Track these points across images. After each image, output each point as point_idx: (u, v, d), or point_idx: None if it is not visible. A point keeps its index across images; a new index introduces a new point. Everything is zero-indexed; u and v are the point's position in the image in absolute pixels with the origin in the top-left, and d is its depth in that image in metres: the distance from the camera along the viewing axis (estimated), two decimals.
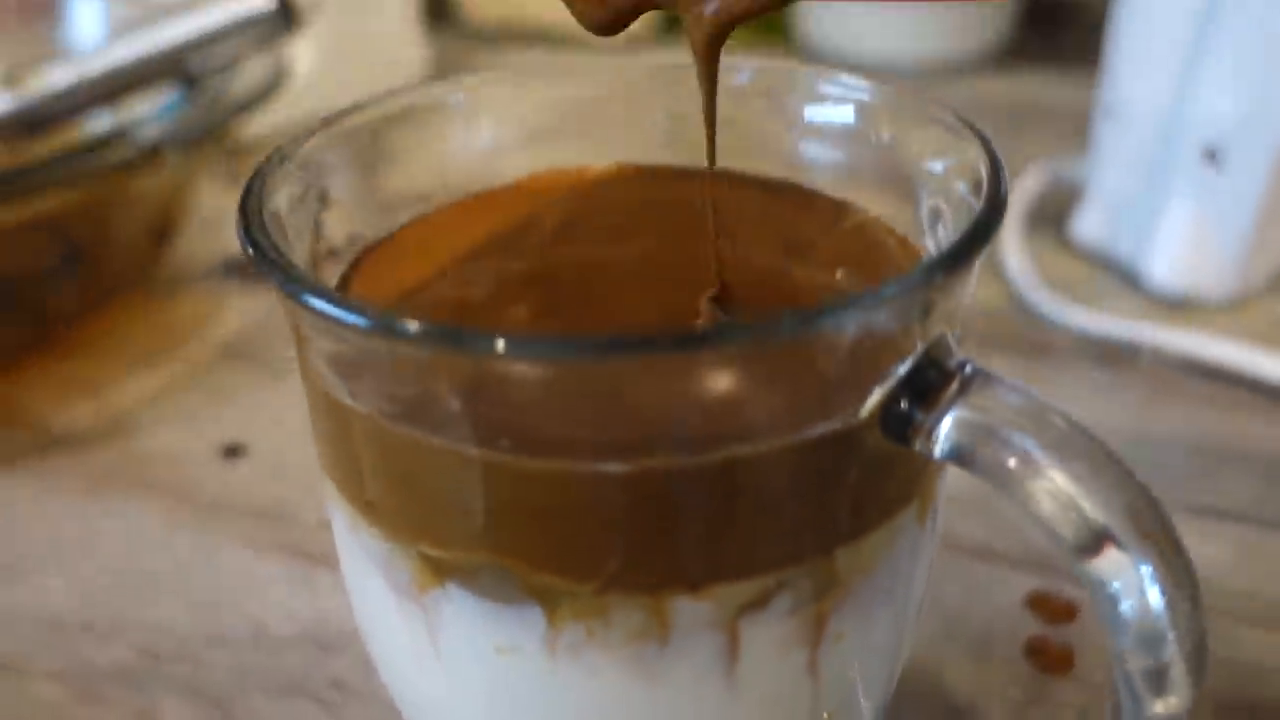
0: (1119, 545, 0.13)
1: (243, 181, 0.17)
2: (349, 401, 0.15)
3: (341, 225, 0.18)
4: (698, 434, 0.14)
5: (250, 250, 0.15)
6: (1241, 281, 0.37)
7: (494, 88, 0.20)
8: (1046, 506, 0.14)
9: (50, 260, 0.34)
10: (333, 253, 0.18)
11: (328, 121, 0.18)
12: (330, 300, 0.14)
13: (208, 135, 0.33)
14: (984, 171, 0.15)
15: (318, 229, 0.18)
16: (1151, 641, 0.14)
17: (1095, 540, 0.13)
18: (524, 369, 0.13)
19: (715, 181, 0.18)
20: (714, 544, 0.14)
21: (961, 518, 0.29)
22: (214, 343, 0.37)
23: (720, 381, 0.13)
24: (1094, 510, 0.13)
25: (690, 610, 0.14)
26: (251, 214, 0.16)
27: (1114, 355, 0.35)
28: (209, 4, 0.34)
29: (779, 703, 0.16)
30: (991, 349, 0.36)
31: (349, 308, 0.14)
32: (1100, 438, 0.14)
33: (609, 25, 0.16)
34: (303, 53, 0.48)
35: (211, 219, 0.42)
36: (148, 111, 0.34)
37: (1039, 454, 0.13)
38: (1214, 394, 0.33)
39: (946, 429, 0.14)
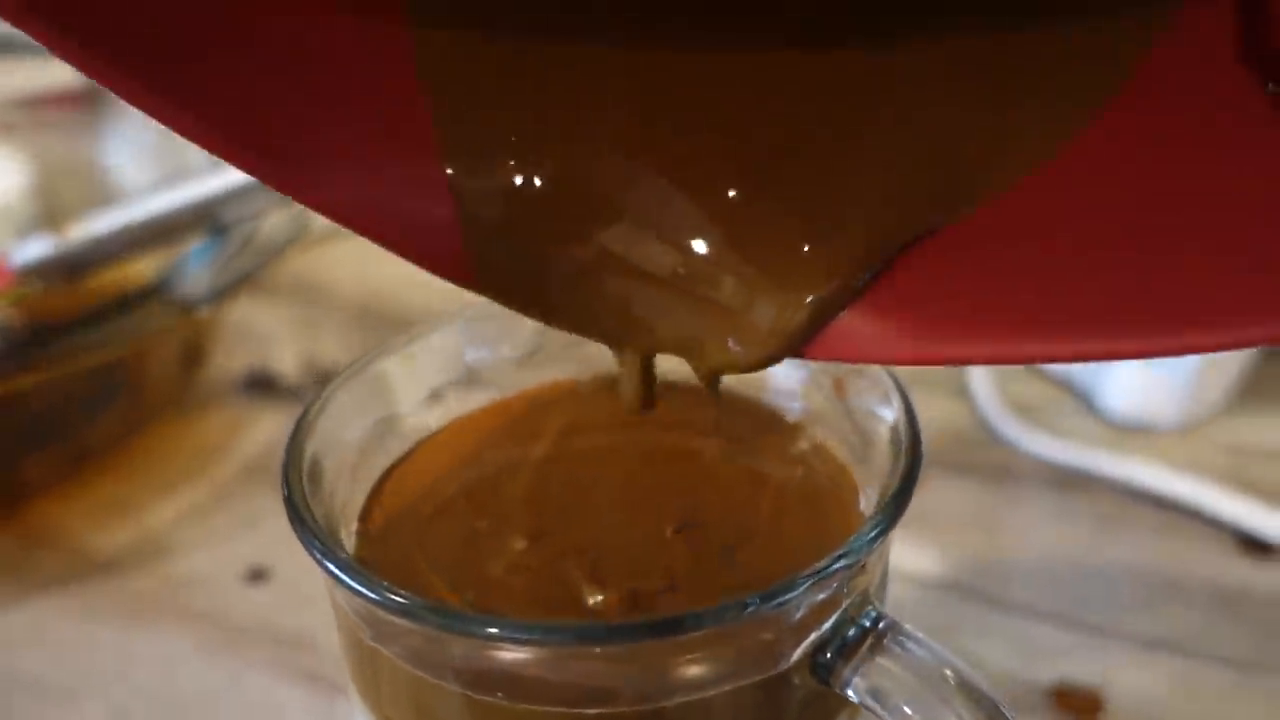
0: None
1: None
2: (368, 640, 0.18)
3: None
4: (655, 687, 0.17)
5: (288, 511, 0.18)
6: (1194, 404, 0.40)
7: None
8: None
9: (91, 394, 0.37)
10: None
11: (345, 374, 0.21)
12: (350, 575, 0.17)
13: (242, 282, 0.36)
14: (902, 438, 0.18)
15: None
16: None
17: None
18: (512, 646, 0.16)
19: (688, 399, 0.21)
20: None
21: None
22: (238, 463, 0.40)
23: (675, 652, 0.16)
24: None
25: None
26: (292, 472, 0.19)
27: (1070, 481, 0.38)
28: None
29: None
30: (953, 471, 0.39)
31: (363, 584, 0.17)
32: (985, 689, 0.17)
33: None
34: None
35: (233, 333, 0.45)
36: (185, 263, 0.37)
37: (935, 706, 0.16)
38: (1163, 523, 0.36)
39: (861, 679, 0.17)
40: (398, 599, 0.16)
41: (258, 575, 0.35)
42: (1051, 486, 0.38)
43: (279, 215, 0.38)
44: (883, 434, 0.20)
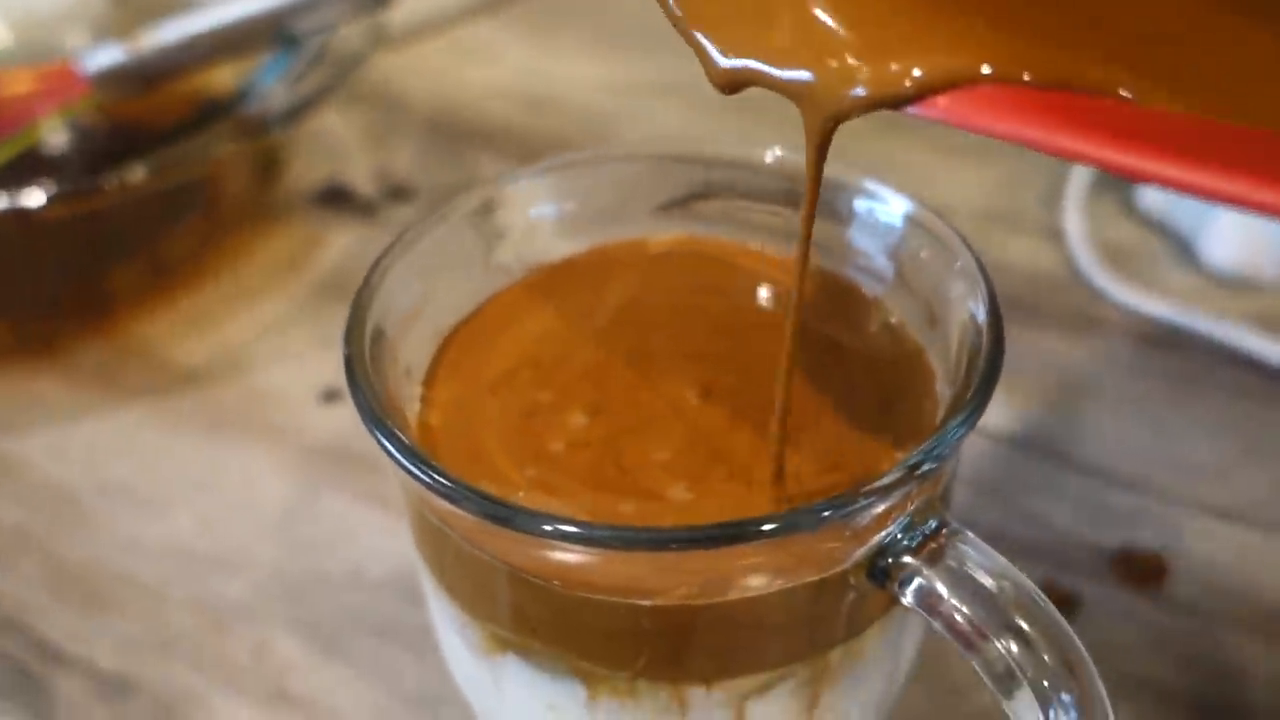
0: (1035, 695, 0.16)
1: None
2: (432, 519, 0.18)
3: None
4: (711, 586, 0.17)
5: (348, 380, 0.18)
6: None
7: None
8: (983, 662, 0.16)
9: (168, 207, 0.37)
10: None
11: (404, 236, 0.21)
12: (413, 461, 0.17)
13: (317, 99, 0.36)
14: (981, 364, 0.17)
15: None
16: None
17: (1012, 683, 0.16)
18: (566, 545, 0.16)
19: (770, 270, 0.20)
20: (725, 654, 0.18)
21: (982, 502, 0.32)
22: (313, 278, 0.40)
23: (734, 556, 0.16)
24: (1022, 666, 0.16)
25: (704, 697, 0.18)
26: (354, 339, 0.19)
27: (1158, 335, 0.37)
28: None
29: None
30: (1035, 317, 0.38)
31: (426, 471, 0.17)
32: (1040, 602, 0.17)
33: (727, 88, 0.18)
34: None
35: (307, 144, 0.44)
36: (260, 78, 0.36)
37: (984, 618, 0.16)
38: (1247, 385, 0.35)
39: (916, 585, 0.17)
40: (452, 486, 0.16)
41: (332, 396, 0.36)
42: (1137, 340, 0.37)
43: (352, 27, 0.37)
44: (964, 323, 0.19)
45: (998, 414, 0.34)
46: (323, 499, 0.33)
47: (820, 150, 0.17)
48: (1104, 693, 0.17)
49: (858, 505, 0.16)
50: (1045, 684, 0.16)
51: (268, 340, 0.37)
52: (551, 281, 0.22)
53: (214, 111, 0.34)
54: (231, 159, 0.36)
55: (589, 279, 0.22)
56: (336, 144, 0.46)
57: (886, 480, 0.16)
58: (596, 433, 0.19)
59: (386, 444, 0.17)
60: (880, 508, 0.16)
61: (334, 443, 0.34)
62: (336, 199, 0.43)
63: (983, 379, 0.17)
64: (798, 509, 0.16)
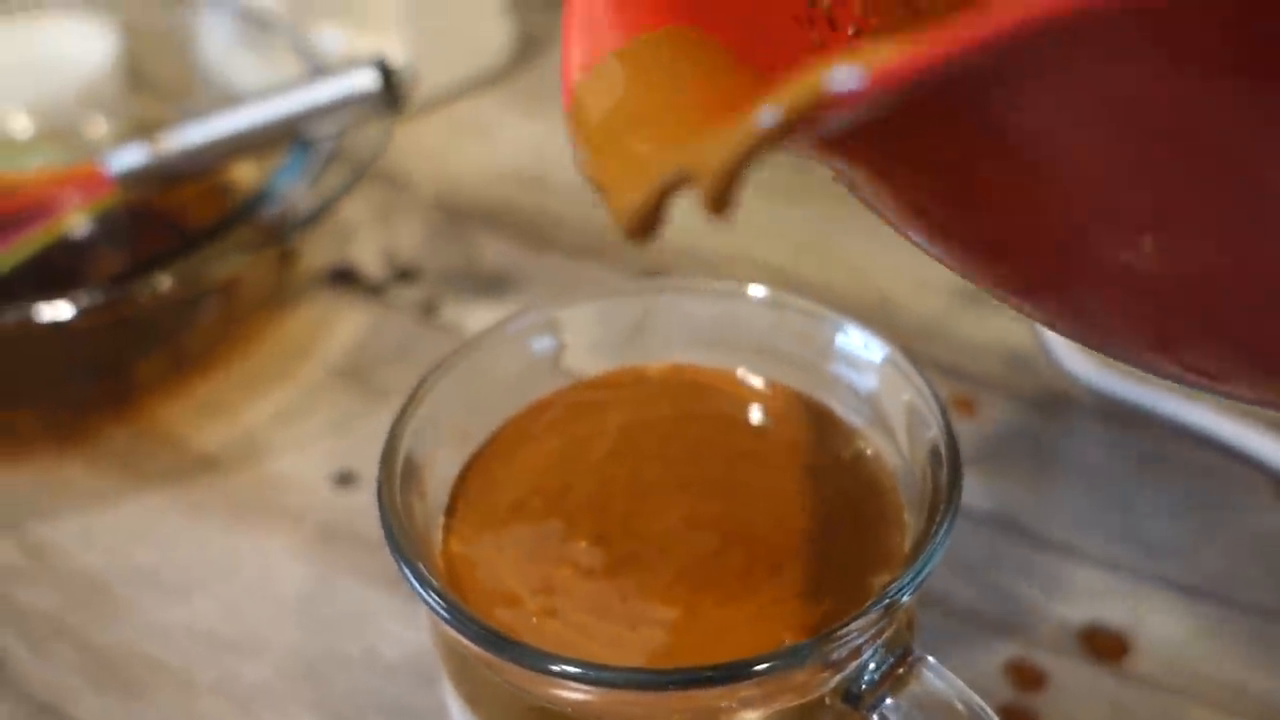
0: None
1: None
2: (452, 640, 0.20)
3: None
4: (707, 711, 0.19)
5: (387, 544, 0.20)
6: None
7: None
8: None
9: (190, 302, 0.39)
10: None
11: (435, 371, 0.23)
12: (437, 601, 0.19)
13: (332, 203, 0.38)
14: (942, 500, 0.20)
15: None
16: None
17: None
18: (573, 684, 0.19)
19: (744, 392, 0.23)
20: None
21: (958, 580, 0.34)
22: (324, 363, 0.42)
23: (723, 694, 0.18)
24: None
25: None
26: (386, 481, 0.21)
27: (1126, 415, 0.39)
28: (322, 79, 0.38)
29: None
30: (1007, 396, 0.40)
31: (444, 608, 0.19)
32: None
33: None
34: (394, 45, 0.51)
35: (324, 222, 0.46)
36: (277, 182, 0.38)
37: None
38: (1210, 464, 0.37)
39: (885, 709, 0.19)
40: (465, 624, 0.18)
41: (345, 479, 0.38)
42: (1106, 419, 0.39)
43: (364, 130, 0.39)
44: (927, 461, 0.21)
45: (972, 492, 0.37)
46: (339, 581, 0.35)
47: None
48: None
49: (839, 642, 0.18)
50: None
51: (282, 425, 0.40)
52: (557, 409, 0.25)
53: (237, 214, 0.36)
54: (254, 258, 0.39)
55: (589, 407, 0.25)
56: (344, 224, 0.48)
57: (864, 619, 0.18)
58: (599, 561, 0.22)
59: (410, 575, 0.19)
60: (858, 641, 0.19)
61: (348, 525, 0.36)
62: (346, 280, 0.45)
63: (944, 518, 0.20)
64: (783, 651, 0.18)
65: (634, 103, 0.18)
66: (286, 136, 0.39)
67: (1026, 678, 0.32)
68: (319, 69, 0.41)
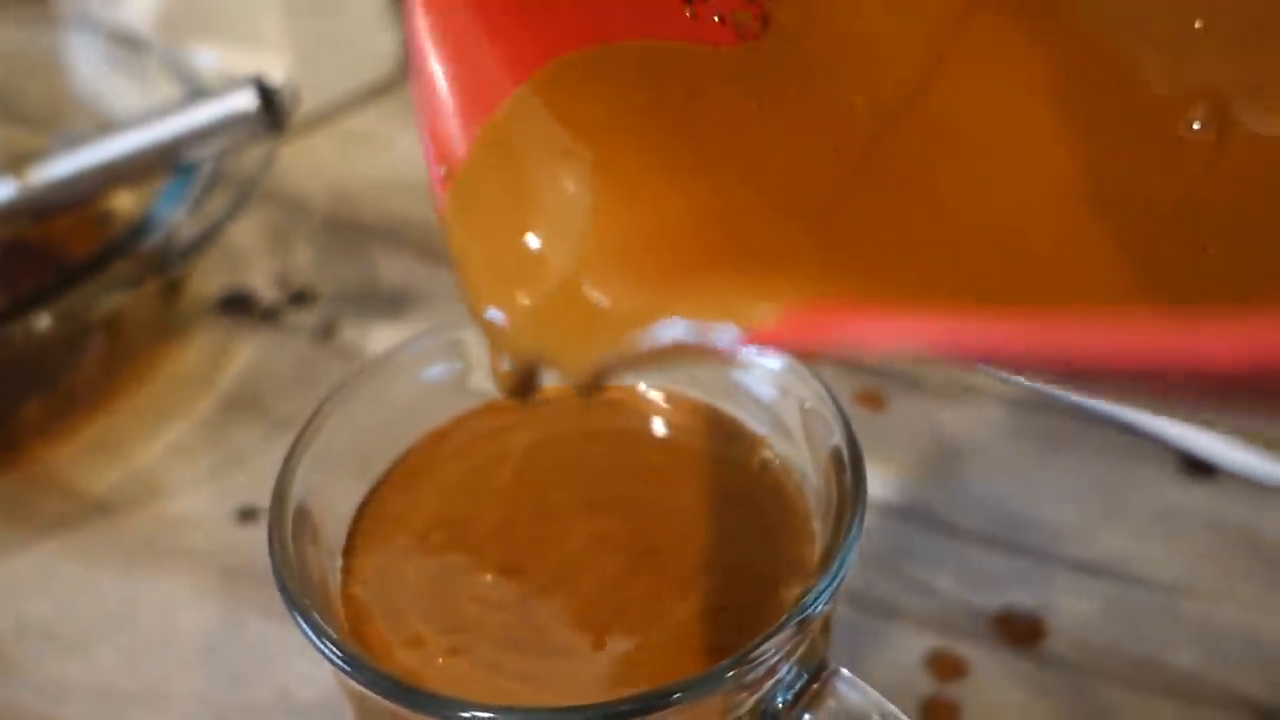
0: None
1: None
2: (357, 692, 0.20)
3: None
4: None
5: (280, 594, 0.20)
6: None
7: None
8: None
9: (70, 339, 0.38)
10: None
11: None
12: (333, 651, 0.18)
13: (215, 231, 0.37)
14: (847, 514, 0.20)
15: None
16: None
17: None
18: None
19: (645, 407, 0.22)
20: None
21: (875, 574, 0.35)
22: (219, 394, 0.41)
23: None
24: None
25: None
26: (276, 529, 0.20)
27: (1027, 399, 0.40)
28: (199, 103, 0.37)
29: None
30: (916, 388, 0.40)
31: (341, 659, 0.18)
32: None
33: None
34: (273, 62, 0.50)
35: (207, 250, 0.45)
36: (156, 211, 0.37)
37: None
38: (1110, 443, 0.38)
39: None
40: (372, 679, 0.18)
41: (248, 515, 0.36)
42: (1008, 405, 0.40)
43: (245, 152, 0.38)
44: (831, 466, 0.21)
45: (881, 486, 0.37)
46: (245, 622, 0.34)
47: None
48: None
49: (753, 664, 0.18)
50: None
51: (177, 463, 0.38)
52: (453, 437, 0.24)
53: (116, 246, 0.35)
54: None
55: (487, 431, 0.24)
56: (233, 248, 0.46)
57: (779, 636, 0.18)
58: (509, 593, 0.21)
59: (306, 629, 0.19)
60: (773, 659, 0.18)
61: (251, 563, 0.35)
62: (238, 307, 0.44)
63: (849, 528, 0.19)
64: (697, 679, 0.18)
65: (511, 237, 0.17)
66: (165, 162, 0.37)
67: (946, 668, 0.32)
68: (196, 90, 0.39)
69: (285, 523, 0.20)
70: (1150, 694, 0.32)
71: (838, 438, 0.21)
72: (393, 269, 0.46)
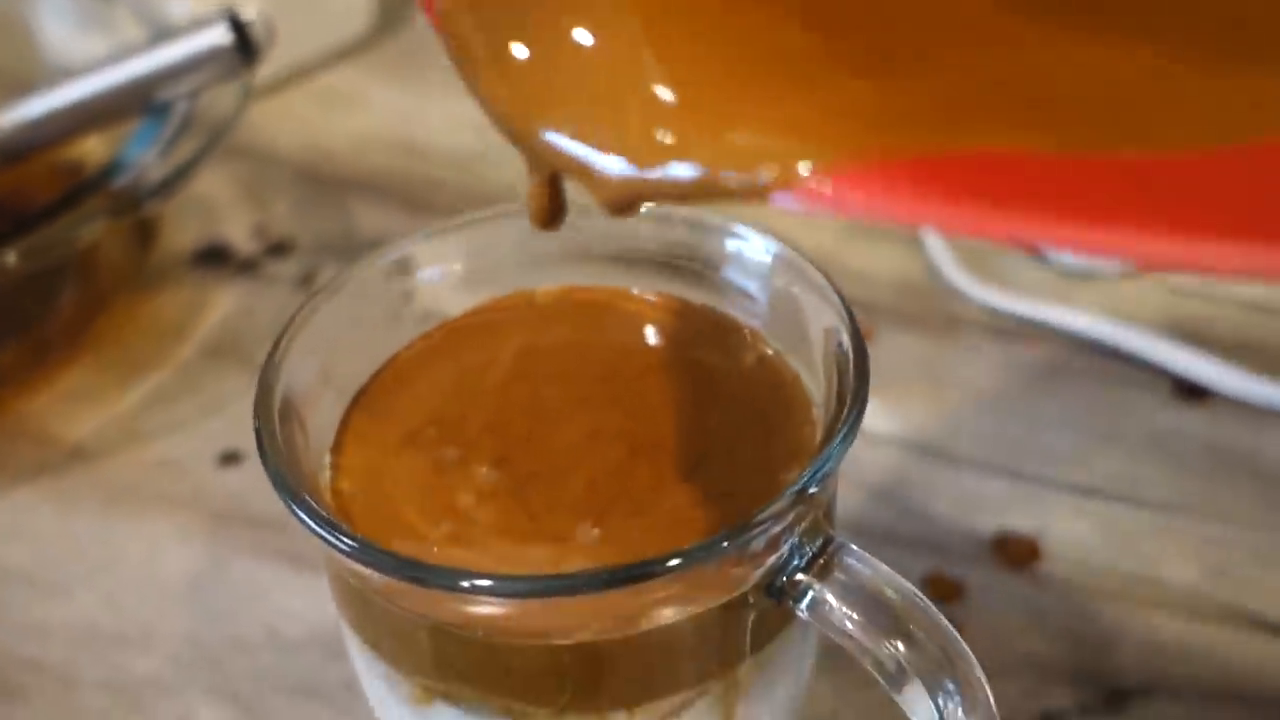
0: (924, 688, 0.18)
1: None
2: (352, 581, 0.19)
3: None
4: (624, 620, 0.18)
5: (260, 453, 0.19)
6: None
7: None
8: (874, 662, 0.18)
9: (43, 285, 0.37)
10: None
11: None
12: (328, 530, 0.18)
13: (190, 168, 0.36)
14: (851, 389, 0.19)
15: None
16: None
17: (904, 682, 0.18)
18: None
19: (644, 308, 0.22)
20: (643, 680, 0.19)
21: (871, 503, 0.34)
22: (197, 342, 0.40)
23: (641, 592, 0.18)
24: (909, 663, 0.18)
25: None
26: (263, 411, 0.19)
27: (1017, 330, 0.39)
28: (170, 40, 0.36)
29: None
30: (902, 322, 0.40)
31: (342, 539, 0.18)
32: (925, 606, 0.18)
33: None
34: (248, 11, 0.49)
35: (180, 203, 0.44)
36: (129, 150, 0.36)
37: (873, 623, 0.18)
38: (1103, 370, 0.38)
39: (809, 599, 0.18)
40: (368, 551, 0.17)
41: (230, 459, 0.36)
42: (998, 336, 0.39)
43: (219, 90, 0.37)
44: (831, 351, 0.20)
45: (876, 418, 0.36)
46: (231, 563, 0.33)
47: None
48: (983, 679, 0.18)
49: (752, 534, 0.17)
50: (931, 677, 0.18)
51: (158, 410, 0.37)
52: (445, 339, 0.23)
53: (85, 185, 0.34)
54: (109, 232, 0.36)
55: (480, 334, 0.23)
56: (210, 202, 0.45)
57: (776, 507, 0.18)
58: (503, 484, 0.20)
59: (302, 514, 0.18)
60: (773, 532, 0.18)
61: (237, 505, 0.34)
62: (216, 259, 0.43)
63: (853, 404, 0.19)
64: (696, 545, 0.17)
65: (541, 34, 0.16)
66: (137, 102, 0.36)
67: (944, 589, 0.32)
68: (167, 35, 0.38)
69: (273, 416, 0.20)
70: (1150, 611, 0.31)
71: (835, 319, 0.21)
72: (372, 220, 0.45)
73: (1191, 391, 0.37)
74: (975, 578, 0.32)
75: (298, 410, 0.21)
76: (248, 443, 0.36)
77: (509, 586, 0.17)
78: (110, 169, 0.36)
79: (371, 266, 0.23)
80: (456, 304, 0.24)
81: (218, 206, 0.45)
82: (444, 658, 0.19)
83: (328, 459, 0.21)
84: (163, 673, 0.30)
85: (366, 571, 0.18)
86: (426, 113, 0.51)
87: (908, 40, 0.16)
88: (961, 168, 0.15)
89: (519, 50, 0.16)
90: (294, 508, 0.18)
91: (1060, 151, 0.15)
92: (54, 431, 0.37)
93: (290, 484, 0.19)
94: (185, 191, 0.44)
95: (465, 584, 0.17)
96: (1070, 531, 0.33)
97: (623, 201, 0.16)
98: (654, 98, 0.15)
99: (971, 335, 0.40)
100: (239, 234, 0.44)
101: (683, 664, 0.19)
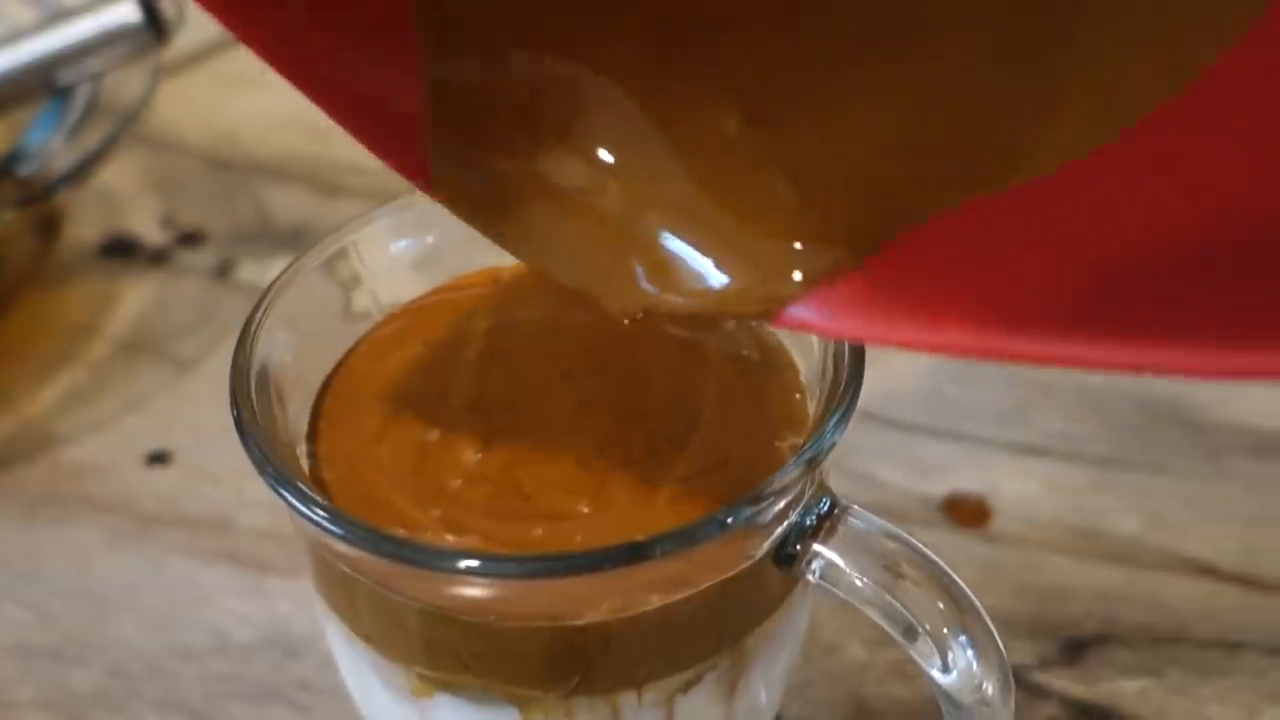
0: (934, 641, 0.18)
1: None
2: (341, 567, 0.18)
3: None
4: (632, 599, 0.17)
5: (240, 436, 0.18)
6: None
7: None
8: (885, 619, 0.18)
9: None
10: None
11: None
12: (330, 519, 0.17)
13: (97, 156, 0.34)
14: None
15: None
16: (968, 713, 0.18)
17: (914, 633, 0.18)
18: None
19: None
20: (654, 659, 0.18)
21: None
22: (111, 338, 0.38)
23: (645, 570, 0.17)
24: (922, 617, 0.18)
25: (636, 701, 0.19)
26: (240, 389, 0.18)
27: None
28: (76, 19, 0.34)
29: None
30: None
31: (343, 525, 0.17)
32: (929, 555, 0.18)
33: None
34: None
35: (84, 195, 0.42)
36: (30, 137, 0.34)
37: (882, 580, 0.18)
38: None
39: (820, 563, 0.18)
40: (370, 536, 0.16)
41: (158, 459, 0.34)
42: None
43: (124, 74, 0.35)
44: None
45: None
46: (167, 567, 0.31)
47: None
48: (993, 629, 0.19)
49: (763, 505, 0.17)
50: (943, 630, 0.18)
51: (73, 410, 0.35)
52: (413, 319, 0.22)
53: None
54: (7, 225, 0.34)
55: (448, 313, 0.23)
56: (114, 192, 0.43)
57: (787, 477, 0.17)
58: (492, 464, 0.20)
59: (296, 503, 0.17)
60: (782, 502, 0.18)
61: (168, 507, 0.33)
62: (122, 251, 0.41)
63: (852, 372, 0.19)
64: (713, 515, 0.17)
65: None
66: (41, 84, 0.34)
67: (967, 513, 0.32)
68: (70, 12, 0.36)
69: (249, 399, 0.19)
70: (1097, 562, 0.32)
71: None
72: (284, 205, 0.43)
73: None
74: (930, 539, 0.32)
75: (274, 397, 0.19)
76: (175, 441, 0.34)
77: (516, 568, 0.16)
78: (10, 158, 0.34)
79: (324, 252, 0.22)
80: (416, 286, 0.23)
81: (121, 196, 0.43)
82: (448, 646, 0.18)
83: (304, 448, 0.20)
84: (106, 686, 0.29)
85: (369, 559, 0.17)
86: None
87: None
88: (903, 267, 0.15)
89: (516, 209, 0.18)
90: (287, 497, 0.17)
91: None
92: None
93: (281, 473, 0.18)
94: (86, 184, 0.42)
95: (474, 564, 0.16)
96: (1017, 490, 0.34)
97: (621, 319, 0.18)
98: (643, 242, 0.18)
99: None
100: (147, 224, 0.42)
101: (695, 639, 0.19)
